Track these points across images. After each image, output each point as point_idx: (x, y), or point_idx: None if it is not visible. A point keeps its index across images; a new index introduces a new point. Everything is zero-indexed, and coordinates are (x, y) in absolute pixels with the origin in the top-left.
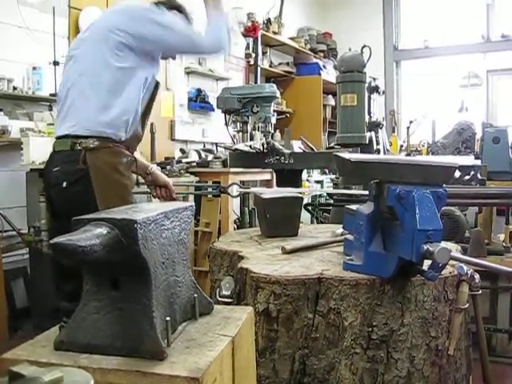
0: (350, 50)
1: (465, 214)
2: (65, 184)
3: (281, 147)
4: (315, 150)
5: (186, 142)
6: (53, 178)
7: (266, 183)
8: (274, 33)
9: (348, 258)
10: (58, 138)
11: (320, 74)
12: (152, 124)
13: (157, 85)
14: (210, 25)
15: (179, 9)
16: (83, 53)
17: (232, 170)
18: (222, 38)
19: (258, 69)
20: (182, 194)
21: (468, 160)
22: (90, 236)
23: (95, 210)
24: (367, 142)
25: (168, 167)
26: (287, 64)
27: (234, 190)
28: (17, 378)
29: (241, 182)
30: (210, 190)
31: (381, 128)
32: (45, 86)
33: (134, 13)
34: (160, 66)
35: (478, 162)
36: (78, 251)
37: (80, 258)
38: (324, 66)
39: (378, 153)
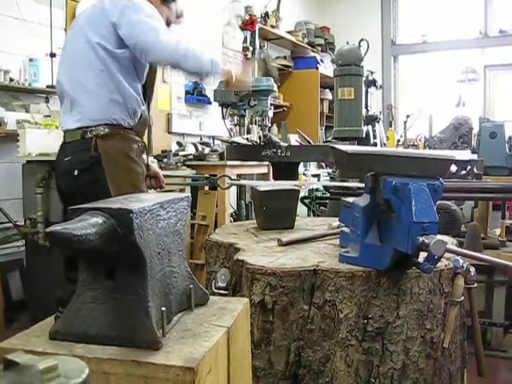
0: (347, 43)
1: (461, 209)
2: (76, 172)
3: (278, 140)
4: (312, 144)
5: (182, 134)
6: (63, 168)
7: (263, 176)
8: (272, 26)
9: (344, 250)
10: (67, 130)
11: (317, 68)
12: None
13: (153, 69)
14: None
15: None
16: (72, 44)
17: (229, 162)
18: (206, 62)
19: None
20: (172, 184)
21: (465, 154)
22: (85, 225)
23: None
24: (364, 135)
25: (165, 160)
26: (284, 58)
27: (225, 182)
28: (11, 366)
29: (237, 175)
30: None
31: (378, 122)
32: (41, 77)
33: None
34: None
35: (475, 157)
36: (74, 240)
37: (75, 247)
38: (321, 60)
39: (375, 146)
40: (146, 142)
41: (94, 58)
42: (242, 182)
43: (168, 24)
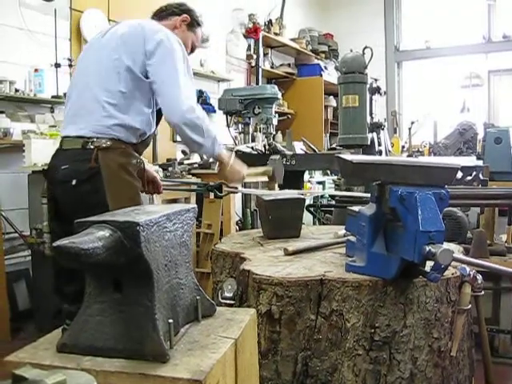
0: (351, 51)
1: (467, 215)
2: (74, 182)
3: (282, 148)
4: (317, 151)
5: None
6: (60, 176)
7: (268, 185)
8: (276, 34)
9: (350, 259)
10: (67, 136)
11: (321, 75)
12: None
13: None
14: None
15: (189, 13)
16: (96, 56)
17: None
18: (212, 137)
19: (260, 70)
20: (169, 189)
21: (470, 161)
22: (92, 239)
23: (102, 213)
24: (369, 143)
25: (170, 169)
26: (288, 65)
27: (223, 189)
28: (20, 381)
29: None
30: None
31: (382, 129)
32: (46, 88)
33: (160, 48)
34: None
35: (480, 163)
36: (81, 254)
37: (83, 261)
38: (325, 67)
39: (380, 154)
40: (152, 151)
41: (118, 79)
42: (240, 189)
43: (193, 49)
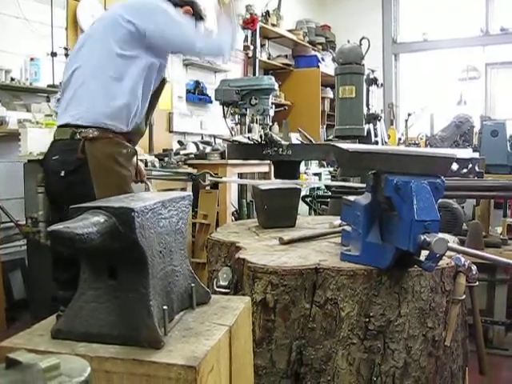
0: (348, 42)
1: (462, 207)
2: (63, 173)
3: (279, 139)
4: (313, 142)
5: (184, 133)
6: (51, 166)
7: (264, 175)
8: (273, 25)
9: (345, 248)
10: (60, 126)
11: (318, 67)
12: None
13: (163, 81)
14: (218, 29)
15: (192, 4)
16: (88, 44)
17: (230, 161)
18: (224, 45)
19: (257, 61)
20: (153, 178)
21: (466, 153)
22: (87, 224)
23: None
24: (365, 134)
25: (166, 159)
26: (285, 56)
27: (206, 178)
28: (14, 365)
29: (239, 173)
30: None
31: (379, 120)
32: (42, 77)
33: (143, 5)
34: (167, 63)
35: (476, 155)
36: (75, 239)
37: (77, 246)
38: (322, 59)
39: (377, 145)
40: (148, 141)
41: (108, 63)
42: (224, 179)
43: None
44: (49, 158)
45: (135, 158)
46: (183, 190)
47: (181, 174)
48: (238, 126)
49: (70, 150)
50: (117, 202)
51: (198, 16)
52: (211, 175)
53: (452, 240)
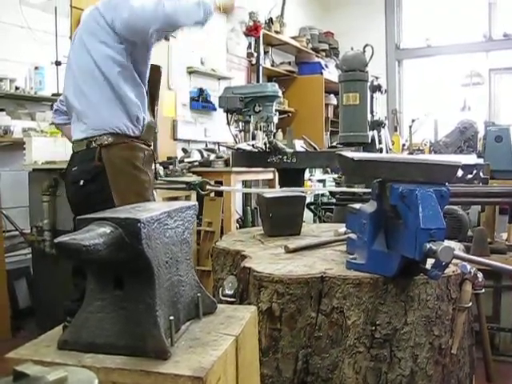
0: (352, 49)
1: (467, 213)
2: (82, 182)
3: (283, 146)
4: (317, 149)
5: (188, 141)
6: (70, 178)
7: (269, 182)
8: (276, 32)
9: (351, 256)
10: (76, 140)
11: (322, 74)
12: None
13: (156, 68)
14: None
15: None
16: (74, 56)
17: (234, 169)
18: (194, 11)
19: (260, 68)
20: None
21: (470, 159)
22: (93, 235)
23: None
24: (369, 141)
25: (170, 167)
26: (289, 63)
27: (205, 187)
28: (21, 378)
29: (243, 181)
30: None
31: (383, 127)
32: (47, 85)
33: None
34: (151, 51)
35: (481, 161)
36: (82, 250)
37: (84, 258)
38: (326, 66)
39: (381, 152)
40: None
41: (95, 68)
42: (222, 187)
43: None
44: (69, 171)
45: (153, 160)
46: (188, 198)
47: (179, 182)
48: (242, 133)
49: (87, 160)
50: (123, 212)
51: None
52: (209, 184)
53: (457, 247)
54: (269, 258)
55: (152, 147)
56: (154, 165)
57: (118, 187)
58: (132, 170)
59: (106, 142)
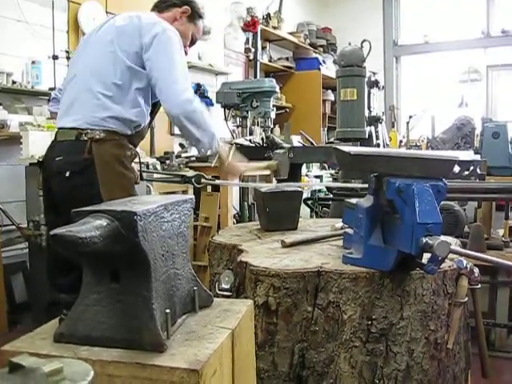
0: (349, 44)
1: (464, 209)
2: (68, 174)
3: (280, 141)
4: (315, 145)
5: None
6: (55, 167)
7: (266, 177)
8: (274, 27)
9: (347, 251)
10: (62, 128)
11: (319, 69)
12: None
13: None
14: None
15: (190, 4)
16: (93, 48)
17: None
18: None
19: (258, 64)
20: (147, 180)
21: (467, 155)
22: (89, 228)
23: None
24: (367, 136)
25: (167, 162)
26: (287, 59)
27: (200, 180)
28: (17, 369)
29: (240, 176)
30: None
31: (380, 123)
32: (44, 80)
33: (155, 35)
34: None
35: (478, 157)
36: (78, 243)
37: (80, 250)
38: (323, 61)
39: (378, 147)
40: (149, 144)
41: (114, 71)
42: (217, 181)
43: (193, 41)
44: (51, 159)
45: (139, 160)
46: (185, 192)
47: (175, 175)
48: (240, 128)
49: (75, 152)
50: (119, 205)
51: (196, 15)
52: (205, 177)
53: (454, 242)
54: (265, 253)
55: (147, 142)
56: (139, 165)
57: (107, 182)
58: (119, 167)
59: (98, 137)
